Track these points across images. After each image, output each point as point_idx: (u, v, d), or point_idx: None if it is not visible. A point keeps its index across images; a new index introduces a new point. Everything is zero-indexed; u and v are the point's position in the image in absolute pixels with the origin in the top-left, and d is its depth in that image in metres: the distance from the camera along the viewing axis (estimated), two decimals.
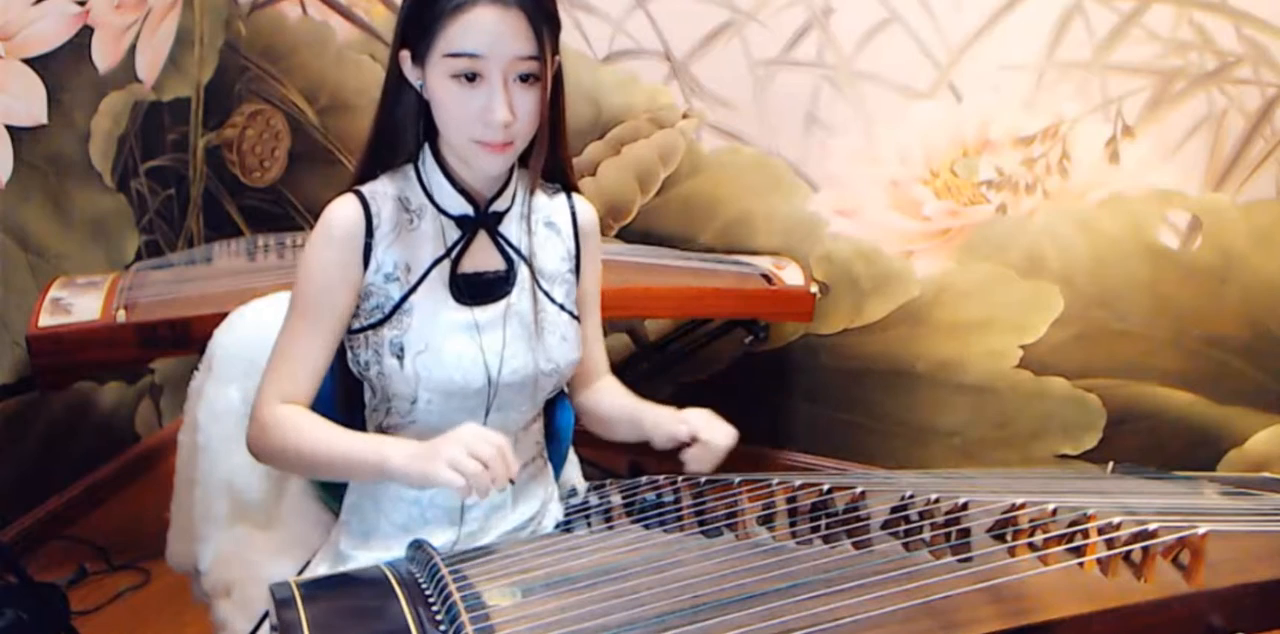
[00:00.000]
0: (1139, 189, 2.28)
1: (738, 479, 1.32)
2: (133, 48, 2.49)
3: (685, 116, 2.52)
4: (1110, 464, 1.79)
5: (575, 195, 1.38)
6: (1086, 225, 2.34)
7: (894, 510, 1.23)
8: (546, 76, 1.19)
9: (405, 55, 1.20)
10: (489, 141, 1.18)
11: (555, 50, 1.20)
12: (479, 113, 1.16)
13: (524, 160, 1.27)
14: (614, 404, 1.43)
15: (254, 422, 1.23)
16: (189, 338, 1.92)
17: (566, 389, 1.47)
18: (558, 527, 1.39)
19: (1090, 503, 1.22)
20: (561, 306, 1.34)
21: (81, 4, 2.29)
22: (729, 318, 2.40)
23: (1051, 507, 1.19)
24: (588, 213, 1.39)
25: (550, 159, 1.29)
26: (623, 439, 1.41)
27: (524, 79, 1.17)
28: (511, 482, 1.11)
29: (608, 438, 1.43)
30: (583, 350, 1.37)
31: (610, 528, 1.31)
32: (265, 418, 1.22)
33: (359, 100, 2.71)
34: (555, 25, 1.18)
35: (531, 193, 1.32)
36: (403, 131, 1.25)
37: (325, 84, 2.74)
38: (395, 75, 1.23)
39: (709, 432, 1.26)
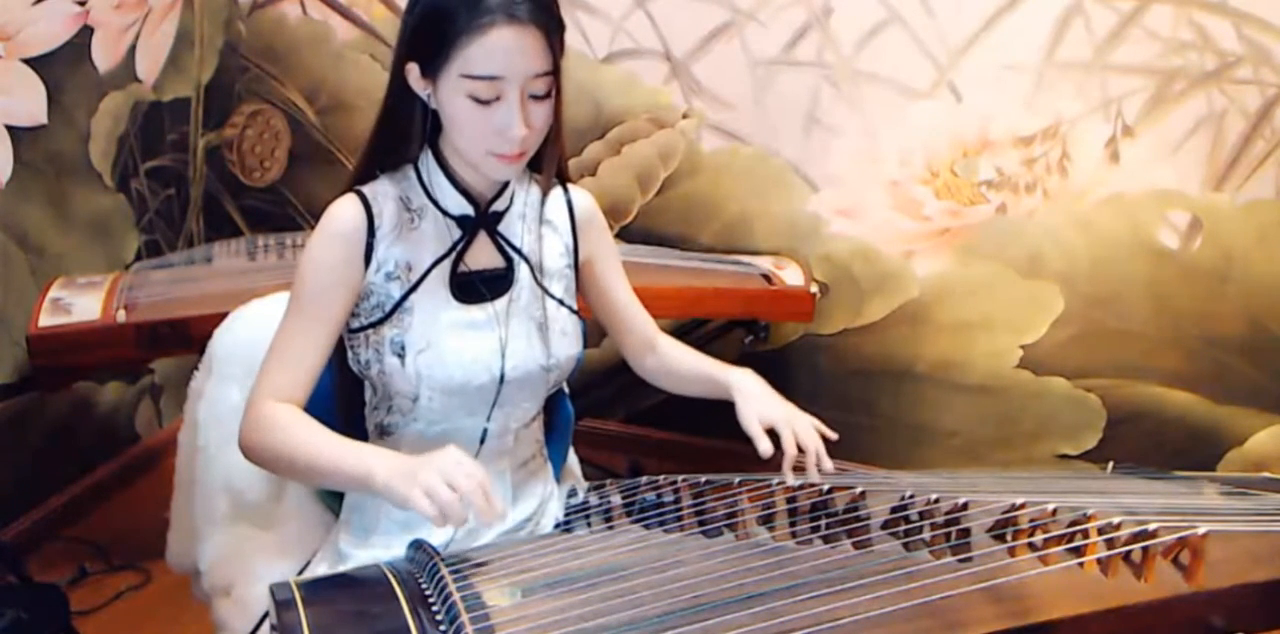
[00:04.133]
0: (1139, 189, 2.28)
1: (738, 479, 1.32)
2: (133, 48, 2.49)
3: (685, 116, 2.52)
4: (1110, 464, 1.79)
5: (571, 186, 1.39)
6: (1086, 225, 2.34)
7: (894, 510, 1.23)
8: (559, 87, 1.19)
9: (413, 68, 1.19)
10: (504, 154, 1.18)
11: (562, 53, 1.20)
12: (496, 129, 1.16)
13: (530, 162, 1.27)
14: (683, 364, 1.47)
15: (247, 418, 1.23)
16: (189, 338, 1.92)
17: (627, 358, 1.50)
18: (557, 527, 1.39)
19: (1090, 503, 1.22)
20: (561, 302, 1.34)
21: (81, 4, 2.29)
22: (729, 318, 2.41)
23: (1051, 507, 1.19)
24: (583, 200, 1.39)
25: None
26: (697, 396, 1.45)
27: (538, 93, 1.17)
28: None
29: (681, 394, 1.48)
30: (630, 321, 1.45)
31: (610, 528, 1.31)
32: (259, 416, 1.21)
33: (359, 100, 2.71)
34: (563, 31, 1.19)
35: (545, 197, 1.33)
36: (406, 138, 1.25)
37: (325, 84, 2.74)
38: (399, 85, 1.22)
39: (791, 448, 1.29)
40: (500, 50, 1.13)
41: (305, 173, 2.83)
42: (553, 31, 1.16)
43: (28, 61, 2.18)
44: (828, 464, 1.29)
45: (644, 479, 1.38)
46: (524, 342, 1.29)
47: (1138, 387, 2.41)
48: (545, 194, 1.33)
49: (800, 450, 1.29)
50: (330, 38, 2.70)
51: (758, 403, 1.33)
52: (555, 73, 1.17)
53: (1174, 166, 2.25)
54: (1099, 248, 2.34)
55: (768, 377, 1.38)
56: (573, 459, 1.62)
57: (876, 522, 1.22)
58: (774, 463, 1.29)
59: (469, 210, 1.27)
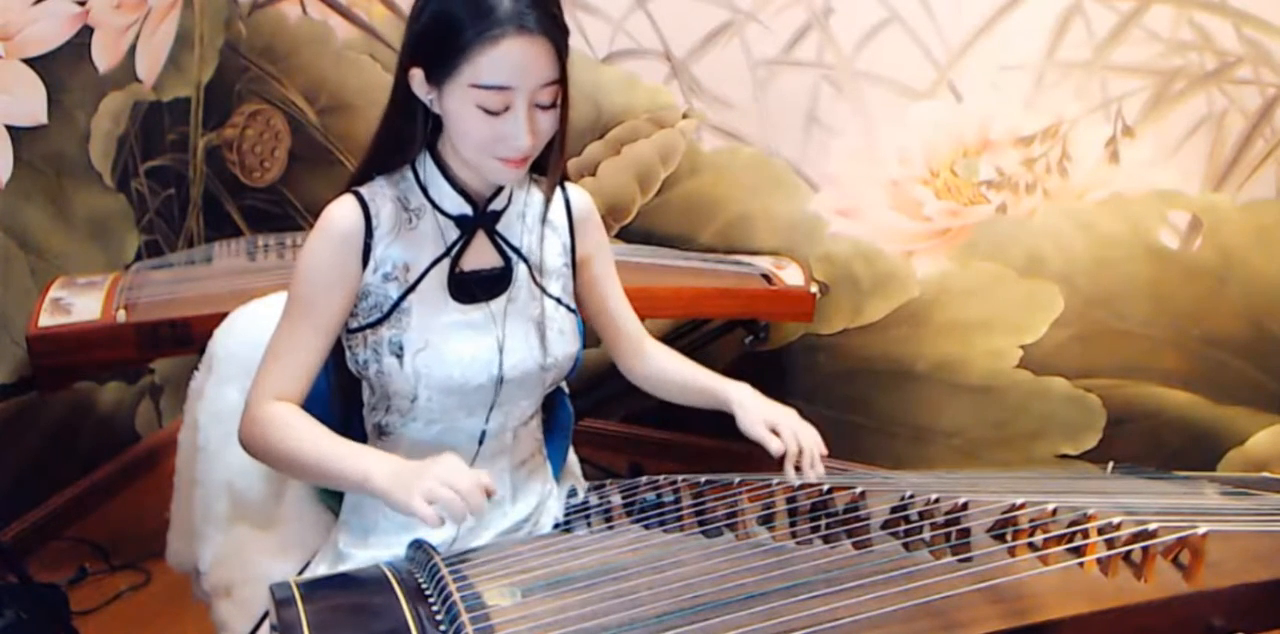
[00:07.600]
0: (1139, 189, 2.29)
1: (738, 479, 1.32)
2: (133, 48, 2.49)
3: (685, 116, 2.52)
4: (1110, 464, 1.79)
5: (569, 185, 1.39)
6: (1086, 225, 2.34)
7: (894, 510, 1.23)
8: (565, 95, 1.19)
9: (416, 74, 1.19)
10: (509, 158, 1.18)
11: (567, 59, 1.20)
12: (502, 137, 1.16)
13: (534, 165, 1.27)
14: (678, 373, 1.46)
15: (246, 416, 1.23)
16: (189, 338, 1.93)
17: (617, 361, 1.49)
18: (557, 526, 1.39)
19: (1090, 503, 1.22)
20: (559, 301, 1.34)
21: (81, 4, 2.29)
22: (729, 318, 2.40)
23: (1051, 507, 1.19)
24: (580, 199, 1.40)
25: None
26: (691, 405, 1.44)
27: (544, 103, 1.17)
28: (489, 495, 1.11)
29: (674, 402, 1.47)
30: (620, 323, 1.44)
31: (610, 528, 1.31)
32: (258, 414, 1.22)
33: (359, 100, 2.72)
34: (568, 36, 1.19)
35: (548, 201, 1.33)
36: (408, 141, 1.25)
37: (325, 84, 2.74)
38: (403, 89, 1.21)
39: (792, 444, 1.29)
40: (511, 62, 1.13)
41: (305, 173, 2.83)
42: (560, 40, 1.16)
43: (28, 61, 2.18)
44: (820, 467, 1.29)
45: (644, 479, 1.38)
46: (522, 341, 1.29)
47: (1138, 387, 2.41)
48: (549, 200, 1.34)
49: (800, 451, 1.29)
50: (330, 38, 2.70)
51: (757, 410, 1.33)
52: (562, 81, 1.17)
53: (1174, 166, 2.25)
54: (1099, 248, 2.34)
55: (768, 377, 1.38)
56: (573, 459, 1.62)
57: (876, 522, 1.22)
58: (774, 463, 1.29)
59: (467, 210, 1.27)
